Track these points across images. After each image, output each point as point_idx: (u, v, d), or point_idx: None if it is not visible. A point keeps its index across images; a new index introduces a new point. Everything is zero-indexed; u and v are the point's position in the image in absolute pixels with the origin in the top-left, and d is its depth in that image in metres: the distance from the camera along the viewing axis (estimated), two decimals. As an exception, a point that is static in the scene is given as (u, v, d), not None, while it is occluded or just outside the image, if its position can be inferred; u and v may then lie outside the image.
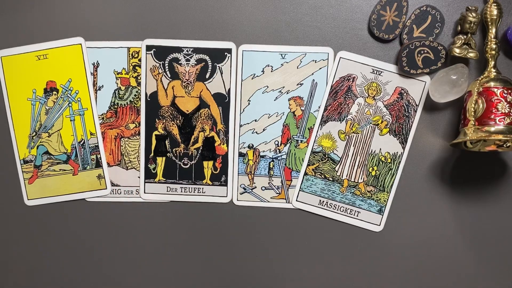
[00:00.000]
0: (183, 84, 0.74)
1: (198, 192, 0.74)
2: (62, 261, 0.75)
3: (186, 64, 0.74)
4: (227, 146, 0.74)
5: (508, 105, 0.66)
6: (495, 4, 0.69)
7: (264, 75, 0.73)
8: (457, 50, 0.70)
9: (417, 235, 0.73)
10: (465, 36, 0.70)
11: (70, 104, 0.74)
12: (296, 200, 0.74)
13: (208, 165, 0.74)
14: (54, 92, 0.74)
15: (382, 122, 0.73)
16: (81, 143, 0.74)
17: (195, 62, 0.74)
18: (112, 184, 0.74)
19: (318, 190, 0.74)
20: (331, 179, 0.74)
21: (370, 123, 0.73)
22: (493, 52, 0.69)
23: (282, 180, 0.74)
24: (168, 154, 0.74)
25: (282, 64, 0.73)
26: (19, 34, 0.74)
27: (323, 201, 0.74)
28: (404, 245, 0.74)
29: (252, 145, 0.74)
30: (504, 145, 0.70)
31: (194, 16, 0.73)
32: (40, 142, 0.74)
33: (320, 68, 0.73)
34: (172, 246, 0.74)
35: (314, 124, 0.74)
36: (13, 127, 0.74)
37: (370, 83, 0.73)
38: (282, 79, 0.73)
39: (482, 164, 0.73)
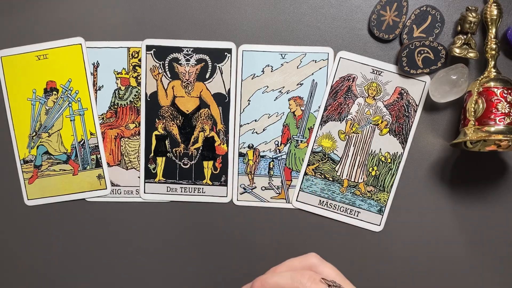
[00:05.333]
0: (183, 84, 0.74)
1: (198, 192, 0.74)
2: (62, 261, 0.75)
3: (186, 64, 0.74)
4: (227, 146, 0.74)
5: (508, 105, 0.66)
6: (495, 4, 0.69)
7: (264, 75, 0.73)
8: (457, 50, 0.70)
9: (417, 235, 0.73)
10: (465, 36, 0.70)
11: (70, 104, 0.74)
12: (296, 200, 0.74)
13: (208, 165, 0.74)
14: (54, 92, 0.74)
15: (382, 122, 0.73)
16: (81, 143, 0.74)
17: (195, 62, 0.74)
18: (112, 184, 0.74)
19: (318, 190, 0.74)
20: (331, 179, 0.74)
21: (370, 123, 0.73)
22: (493, 52, 0.69)
23: (282, 180, 0.74)
24: (168, 154, 0.74)
25: (282, 64, 0.73)
26: (19, 34, 0.74)
27: (323, 201, 0.74)
28: (404, 245, 0.74)
29: (252, 145, 0.74)
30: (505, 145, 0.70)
31: (194, 16, 0.73)
32: (40, 142, 0.74)
33: (320, 68, 0.73)
34: (172, 246, 0.74)
35: (314, 124, 0.74)
36: (13, 127, 0.74)
37: (370, 83, 0.73)
38: (282, 79, 0.73)
39: (482, 164, 0.73)
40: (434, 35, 0.71)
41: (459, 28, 0.71)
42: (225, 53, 0.73)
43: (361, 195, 0.73)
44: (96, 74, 0.74)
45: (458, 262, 0.73)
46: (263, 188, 0.74)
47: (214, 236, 0.74)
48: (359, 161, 0.73)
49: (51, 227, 0.75)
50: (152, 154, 0.74)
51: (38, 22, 0.74)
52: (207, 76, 0.74)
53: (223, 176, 0.74)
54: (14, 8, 0.74)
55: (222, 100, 0.74)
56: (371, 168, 0.73)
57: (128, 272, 0.75)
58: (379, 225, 0.74)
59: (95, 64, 0.74)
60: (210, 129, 0.74)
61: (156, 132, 0.74)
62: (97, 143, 0.74)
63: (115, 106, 0.74)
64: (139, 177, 0.74)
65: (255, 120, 0.74)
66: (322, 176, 0.74)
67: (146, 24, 0.73)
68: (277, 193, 0.74)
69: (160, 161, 0.74)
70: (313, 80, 0.73)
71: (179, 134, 0.74)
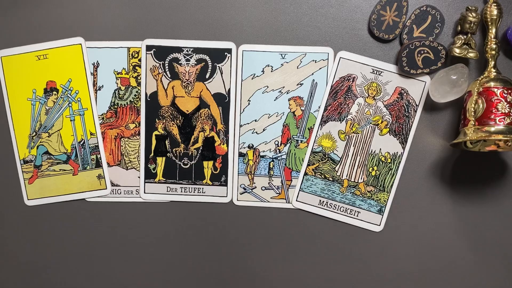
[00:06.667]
0: (183, 84, 0.74)
1: (198, 192, 0.74)
2: (62, 261, 0.75)
3: (186, 64, 0.74)
4: (227, 146, 0.74)
5: (508, 105, 0.66)
6: (495, 4, 0.69)
7: (264, 75, 0.73)
8: (457, 50, 0.70)
9: (417, 235, 0.73)
10: (465, 36, 0.70)
11: (70, 104, 0.74)
12: (296, 200, 0.74)
13: (208, 165, 0.74)
14: (54, 92, 0.74)
15: (382, 122, 0.73)
16: (81, 143, 0.74)
17: (195, 62, 0.74)
18: (112, 184, 0.74)
19: (318, 190, 0.74)
20: (331, 179, 0.74)
21: (370, 123, 0.73)
22: (493, 52, 0.69)
23: (282, 180, 0.74)
24: (168, 154, 0.74)
25: (282, 64, 0.73)
26: (19, 34, 0.74)
27: (323, 201, 0.74)
28: (404, 245, 0.74)
29: (252, 145, 0.74)
30: (505, 145, 0.70)
31: (194, 16, 0.73)
32: (40, 142, 0.74)
33: (320, 68, 0.73)
34: (172, 246, 0.74)
35: (314, 124, 0.74)
36: (13, 127, 0.74)
37: (370, 83, 0.73)
38: (282, 79, 0.73)
39: (482, 164, 0.73)
40: (434, 35, 0.71)
41: (459, 28, 0.71)
42: (225, 53, 0.73)
43: (361, 195, 0.73)
44: (96, 74, 0.74)
45: (458, 262, 0.73)
46: (263, 188, 0.74)
47: (214, 236, 0.74)
48: (359, 161, 0.73)
49: (51, 227, 0.75)
50: (152, 154, 0.74)
51: (38, 22, 0.74)
52: (207, 76, 0.74)
53: (223, 176, 0.74)
54: (14, 8, 0.74)
55: (222, 100, 0.74)
56: (371, 168, 0.73)
57: (128, 271, 0.74)
58: (379, 225, 0.73)
59: (95, 64, 0.74)
60: (210, 129, 0.74)
61: (156, 132, 0.74)
62: (97, 143, 0.74)
63: (115, 106, 0.74)
64: (139, 177, 0.74)
65: (255, 120, 0.74)
66: (322, 176, 0.74)
67: (146, 24, 0.73)
68: (277, 193, 0.74)
69: (160, 161, 0.74)
70: (313, 80, 0.73)
71: (179, 134, 0.74)
